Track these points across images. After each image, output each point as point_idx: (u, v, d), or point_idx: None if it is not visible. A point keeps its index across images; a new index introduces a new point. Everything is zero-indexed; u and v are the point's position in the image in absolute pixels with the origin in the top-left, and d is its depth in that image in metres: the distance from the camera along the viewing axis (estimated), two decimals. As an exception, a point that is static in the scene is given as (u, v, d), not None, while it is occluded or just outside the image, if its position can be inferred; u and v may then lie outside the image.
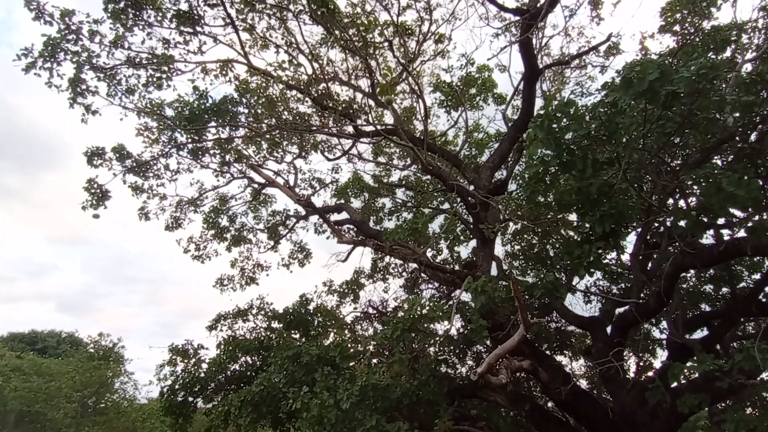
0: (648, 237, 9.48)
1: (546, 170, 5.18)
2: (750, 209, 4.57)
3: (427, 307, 6.19)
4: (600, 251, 4.88)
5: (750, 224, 4.98)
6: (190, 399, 9.11)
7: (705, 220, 5.22)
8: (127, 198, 9.75)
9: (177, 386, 8.99)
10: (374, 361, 7.55)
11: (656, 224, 9.05)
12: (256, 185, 10.83)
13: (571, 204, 5.51)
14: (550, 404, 9.63)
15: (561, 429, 7.62)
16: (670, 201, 7.81)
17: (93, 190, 8.38)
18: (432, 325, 6.50)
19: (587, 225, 5.15)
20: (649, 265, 9.36)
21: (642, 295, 8.34)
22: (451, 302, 6.70)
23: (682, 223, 7.41)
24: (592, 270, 5.28)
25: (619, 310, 8.90)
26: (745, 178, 4.31)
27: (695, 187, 4.91)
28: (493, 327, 6.54)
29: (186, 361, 9.34)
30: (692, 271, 10.48)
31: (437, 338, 6.81)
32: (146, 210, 10.01)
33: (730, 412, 5.81)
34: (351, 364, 7.33)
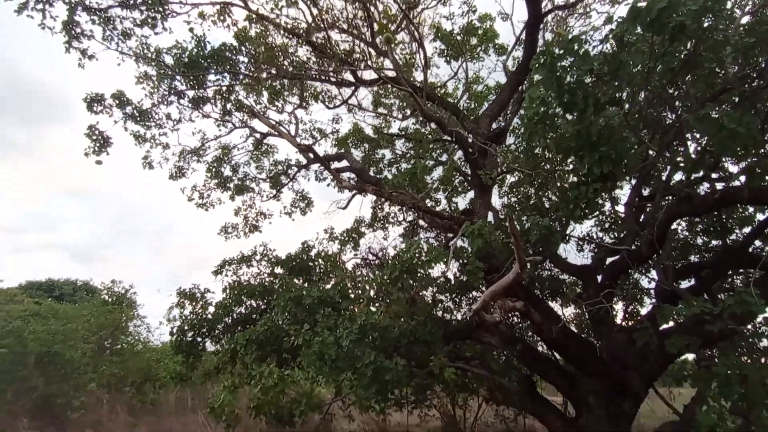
0: (643, 189, 9.36)
1: (546, 111, 4.95)
2: (749, 148, 4.37)
3: (425, 250, 6.13)
4: (596, 192, 4.73)
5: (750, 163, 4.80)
6: (199, 339, 9.27)
7: (704, 160, 5.02)
8: (131, 150, 9.60)
9: (186, 327, 9.12)
10: (374, 306, 7.61)
11: (652, 175, 8.89)
12: (257, 135, 10.59)
13: (570, 148, 5.31)
14: (541, 348, 9.79)
15: (551, 368, 7.75)
16: (667, 155, 7.61)
17: (94, 137, 8.16)
18: (429, 269, 6.46)
19: (585, 168, 4.97)
20: (642, 217, 9.26)
21: (635, 245, 8.28)
22: (449, 246, 6.63)
23: (678, 175, 7.26)
24: (587, 212, 5.15)
25: (610, 260, 8.89)
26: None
27: (697, 127, 4.68)
28: (489, 270, 6.50)
29: (194, 304, 9.44)
30: (684, 224, 10.42)
31: (435, 280, 6.79)
32: (150, 159, 9.83)
33: (721, 356, 5.74)
34: (351, 306, 7.38)
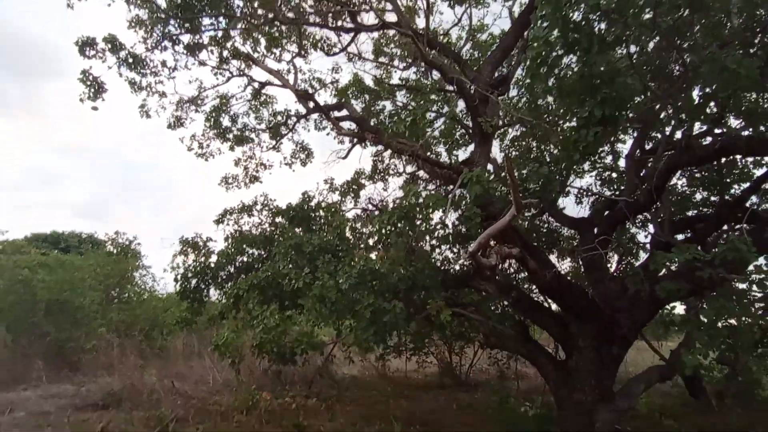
0: (645, 143, 9.31)
1: (549, 52, 4.82)
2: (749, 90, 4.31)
3: (424, 196, 6.16)
4: (596, 136, 4.68)
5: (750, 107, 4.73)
6: (202, 286, 9.49)
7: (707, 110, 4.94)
8: (129, 107, 9.42)
9: (189, 274, 9.31)
10: (373, 255, 7.73)
11: (655, 126, 8.78)
12: (256, 84, 10.38)
13: (572, 92, 5.21)
14: (535, 297, 10.02)
15: (544, 314, 7.98)
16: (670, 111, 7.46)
17: (88, 82, 8.01)
18: (428, 217, 6.50)
19: (586, 111, 4.89)
20: (644, 172, 9.23)
21: (633, 196, 8.30)
22: (448, 196, 6.63)
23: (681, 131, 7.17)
24: (586, 156, 5.13)
25: (609, 213, 8.93)
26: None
27: (700, 69, 4.57)
28: (486, 218, 6.54)
29: (196, 252, 9.59)
30: (684, 180, 10.44)
31: (432, 226, 6.84)
32: (146, 108, 9.68)
33: (710, 301, 5.77)
34: (350, 253, 7.50)
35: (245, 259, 9.78)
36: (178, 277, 9.24)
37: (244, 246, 9.73)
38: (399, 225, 6.16)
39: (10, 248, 16.91)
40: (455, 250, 10.13)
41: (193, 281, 9.34)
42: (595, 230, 8.62)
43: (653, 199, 7.63)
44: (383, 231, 6.42)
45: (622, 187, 9.64)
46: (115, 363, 11.84)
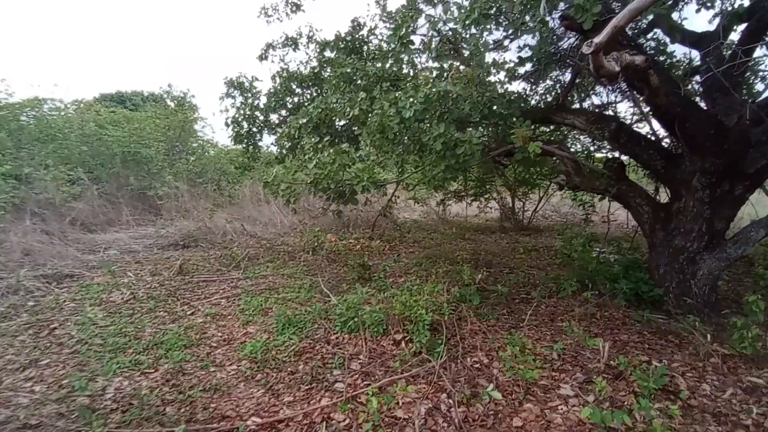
0: None
1: None
2: None
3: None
4: None
5: None
6: (255, 130, 8.55)
7: None
8: None
9: (240, 118, 8.32)
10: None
11: None
12: None
13: None
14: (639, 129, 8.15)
15: (649, 148, 6.30)
16: None
17: None
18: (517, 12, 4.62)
19: None
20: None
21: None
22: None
23: None
24: None
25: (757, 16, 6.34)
26: None
27: None
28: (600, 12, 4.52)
29: (244, 94, 8.42)
30: None
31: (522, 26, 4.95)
32: None
33: None
34: (413, 80, 5.96)
35: (296, 99, 8.53)
36: (229, 121, 8.28)
37: (293, 85, 8.38)
38: (481, 21, 4.40)
39: (79, 107, 16.77)
40: (531, 80, 8.20)
41: (245, 125, 8.37)
42: (724, 51, 6.27)
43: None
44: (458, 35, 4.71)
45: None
46: (189, 208, 11.99)
